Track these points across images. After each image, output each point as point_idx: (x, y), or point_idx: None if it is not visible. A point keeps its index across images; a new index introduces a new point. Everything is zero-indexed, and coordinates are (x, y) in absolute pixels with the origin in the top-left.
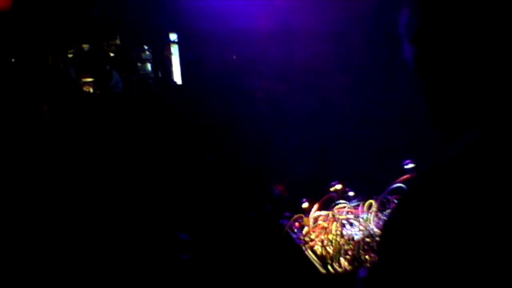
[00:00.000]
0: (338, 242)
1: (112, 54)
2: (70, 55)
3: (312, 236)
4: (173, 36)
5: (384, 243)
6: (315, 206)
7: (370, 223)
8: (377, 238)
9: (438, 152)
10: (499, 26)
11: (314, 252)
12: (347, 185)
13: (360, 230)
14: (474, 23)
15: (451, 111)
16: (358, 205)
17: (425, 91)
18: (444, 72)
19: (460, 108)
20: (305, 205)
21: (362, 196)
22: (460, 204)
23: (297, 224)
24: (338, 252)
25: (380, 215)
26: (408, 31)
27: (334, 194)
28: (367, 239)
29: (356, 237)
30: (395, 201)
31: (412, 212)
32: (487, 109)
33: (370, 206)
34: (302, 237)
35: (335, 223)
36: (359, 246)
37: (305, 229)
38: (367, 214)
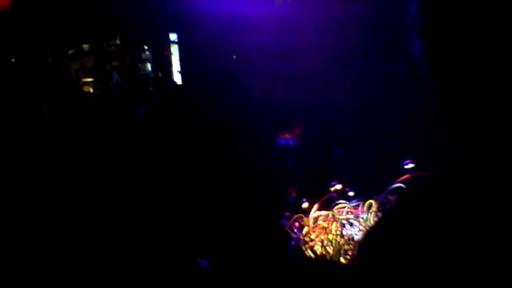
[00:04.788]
0: (338, 242)
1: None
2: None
3: (312, 236)
4: (173, 36)
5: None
6: (315, 206)
7: (370, 223)
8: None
9: (440, 154)
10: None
11: (314, 252)
12: (347, 185)
13: (360, 230)
14: (486, 15)
15: (462, 114)
16: (358, 205)
17: (435, 91)
18: (455, 70)
19: (472, 112)
20: (305, 205)
21: (362, 196)
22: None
23: (297, 224)
24: (338, 252)
25: (380, 215)
26: (416, 24)
27: (334, 194)
28: None
29: (356, 237)
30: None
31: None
32: (501, 117)
33: (370, 206)
34: (302, 237)
35: (335, 223)
36: None
37: (305, 229)
38: (367, 214)
